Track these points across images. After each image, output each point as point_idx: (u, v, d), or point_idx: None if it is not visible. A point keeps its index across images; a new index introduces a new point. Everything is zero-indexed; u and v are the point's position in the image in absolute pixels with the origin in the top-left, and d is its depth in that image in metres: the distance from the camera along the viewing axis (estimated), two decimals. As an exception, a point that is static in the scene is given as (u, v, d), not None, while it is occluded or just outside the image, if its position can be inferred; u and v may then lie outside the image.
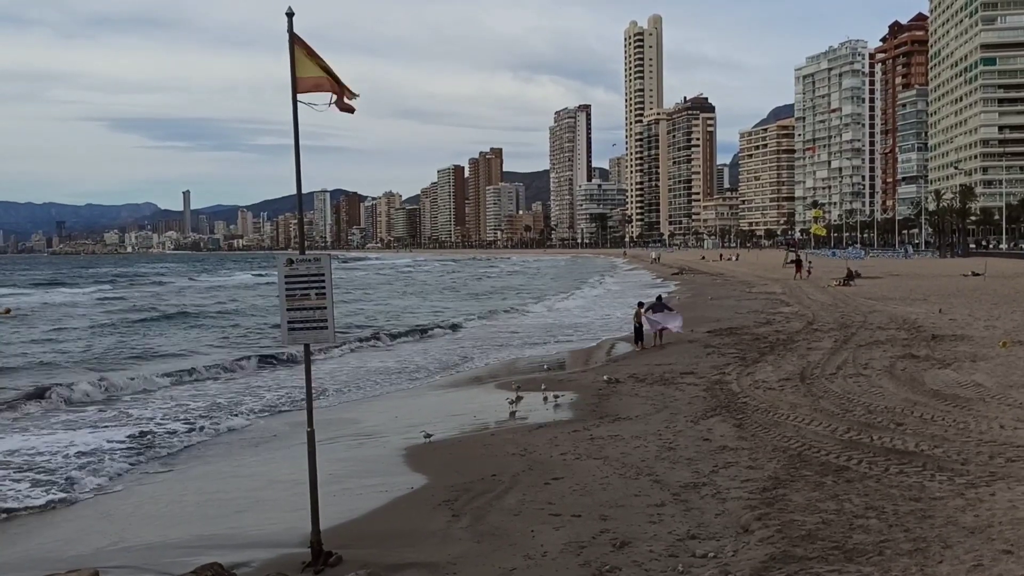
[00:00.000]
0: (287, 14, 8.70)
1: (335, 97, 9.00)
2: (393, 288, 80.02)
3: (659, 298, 30.33)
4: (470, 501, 10.84)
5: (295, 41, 8.78)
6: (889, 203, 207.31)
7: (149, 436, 16.12)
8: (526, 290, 72.16)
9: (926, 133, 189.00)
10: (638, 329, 27.16)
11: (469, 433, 15.54)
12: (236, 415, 18.34)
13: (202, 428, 16.96)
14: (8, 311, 47.96)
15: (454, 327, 37.24)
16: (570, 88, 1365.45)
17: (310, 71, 8.88)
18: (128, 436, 16.03)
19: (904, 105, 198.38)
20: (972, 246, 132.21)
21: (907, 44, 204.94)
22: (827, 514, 9.43)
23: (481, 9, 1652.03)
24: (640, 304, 28.81)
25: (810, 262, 71.71)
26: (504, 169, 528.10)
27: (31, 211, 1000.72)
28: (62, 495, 12.51)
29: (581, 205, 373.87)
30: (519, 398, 17.28)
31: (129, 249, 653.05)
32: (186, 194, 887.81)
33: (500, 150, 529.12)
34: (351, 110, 9.17)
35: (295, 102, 8.84)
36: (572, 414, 16.42)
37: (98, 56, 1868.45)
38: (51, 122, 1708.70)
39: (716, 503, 10.13)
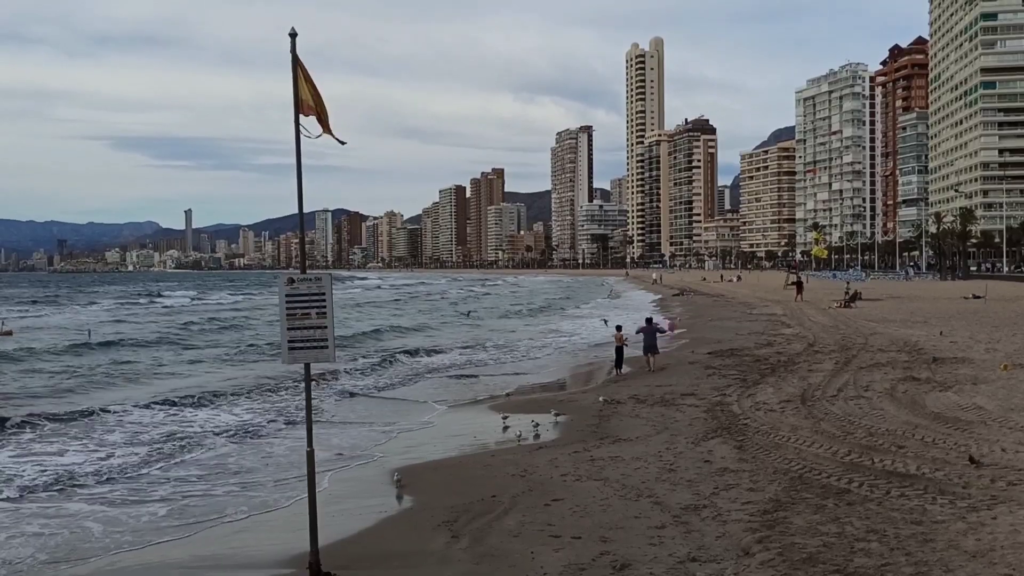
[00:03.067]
0: (290, 35, 8.75)
1: (322, 131, 9.05)
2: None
3: (649, 320, 29.16)
4: (469, 522, 10.79)
5: (298, 62, 8.83)
6: (890, 225, 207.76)
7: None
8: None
9: (926, 156, 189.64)
10: (619, 352, 26.36)
11: (469, 454, 15.50)
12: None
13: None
14: (10, 332, 47.72)
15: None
16: (571, 109, 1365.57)
17: (311, 99, 8.94)
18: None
19: (904, 128, 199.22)
20: (973, 269, 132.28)
21: (907, 67, 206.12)
22: (828, 537, 9.39)
23: (483, 30, 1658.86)
24: (619, 328, 27.50)
25: (848, 283, 68.84)
26: (506, 189, 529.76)
27: (32, 229, 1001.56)
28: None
29: (582, 225, 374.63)
30: (506, 428, 16.93)
31: (130, 267, 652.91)
32: (188, 213, 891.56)
33: (502, 170, 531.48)
34: (340, 141, 9.22)
35: (297, 122, 8.88)
36: (572, 435, 16.36)
37: (100, 74, 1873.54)
38: (53, 140, 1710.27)
39: (717, 525, 10.08)
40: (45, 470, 14.88)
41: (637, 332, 27.66)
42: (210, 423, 19.44)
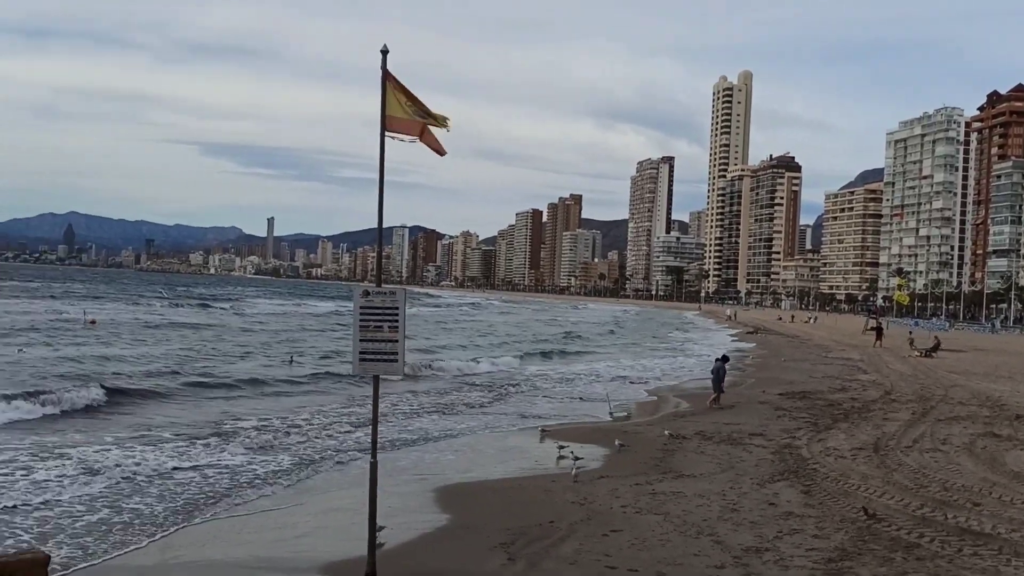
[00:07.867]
0: (382, 51, 8.91)
1: (417, 139, 9.17)
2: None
3: (724, 357, 28.37)
4: (526, 545, 10.74)
5: (387, 78, 8.99)
6: (978, 275, 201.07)
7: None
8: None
9: (1021, 206, 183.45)
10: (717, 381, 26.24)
11: (528, 477, 15.44)
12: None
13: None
14: (94, 322, 50.43)
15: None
16: (651, 138, 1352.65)
17: (399, 112, 9.06)
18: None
19: (999, 176, 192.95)
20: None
21: (1005, 114, 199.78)
22: (894, 592, 9.09)
23: (568, 56, 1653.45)
24: (722, 358, 27.66)
25: (935, 336, 62.09)
26: (582, 216, 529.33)
27: (123, 227, 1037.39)
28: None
29: (658, 257, 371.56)
30: (561, 458, 16.84)
31: (212, 271, 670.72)
32: (270, 220, 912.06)
33: (580, 196, 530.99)
34: (441, 151, 9.32)
35: (383, 138, 9.01)
36: (635, 467, 16.17)
37: (193, 82, 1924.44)
38: (146, 143, 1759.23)
39: (779, 570, 9.85)
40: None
41: (712, 371, 27.29)
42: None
